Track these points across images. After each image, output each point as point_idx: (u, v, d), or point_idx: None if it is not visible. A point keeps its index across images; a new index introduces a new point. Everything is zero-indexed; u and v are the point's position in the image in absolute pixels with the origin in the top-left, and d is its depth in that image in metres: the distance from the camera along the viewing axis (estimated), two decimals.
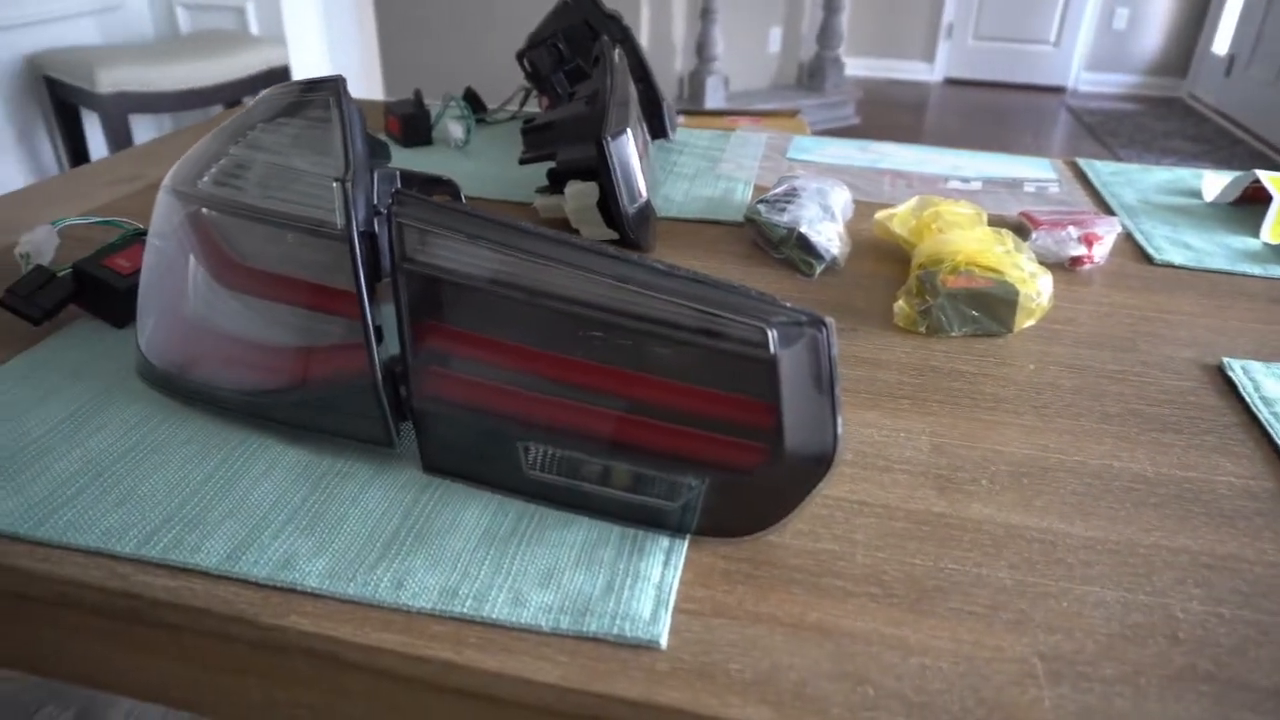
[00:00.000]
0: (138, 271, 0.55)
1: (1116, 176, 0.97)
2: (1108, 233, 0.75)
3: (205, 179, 0.49)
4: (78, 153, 2.33)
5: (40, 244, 0.64)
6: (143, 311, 0.53)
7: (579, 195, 0.72)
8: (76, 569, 0.39)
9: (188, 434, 0.48)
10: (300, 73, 2.57)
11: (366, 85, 2.90)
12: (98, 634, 0.41)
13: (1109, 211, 0.87)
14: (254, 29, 2.57)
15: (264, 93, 0.51)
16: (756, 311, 0.39)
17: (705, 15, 3.70)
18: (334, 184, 0.44)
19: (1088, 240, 0.74)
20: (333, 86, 0.47)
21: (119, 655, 0.42)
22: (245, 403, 0.48)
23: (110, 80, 2.09)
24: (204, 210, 0.48)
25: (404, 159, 0.96)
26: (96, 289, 0.57)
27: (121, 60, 2.16)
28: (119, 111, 2.14)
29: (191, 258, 0.49)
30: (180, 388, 0.51)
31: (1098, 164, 1.01)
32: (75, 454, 0.46)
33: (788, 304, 0.39)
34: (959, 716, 0.33)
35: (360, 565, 0.39)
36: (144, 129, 2.42)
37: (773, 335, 0.38)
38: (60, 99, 2.24)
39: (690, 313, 0.39)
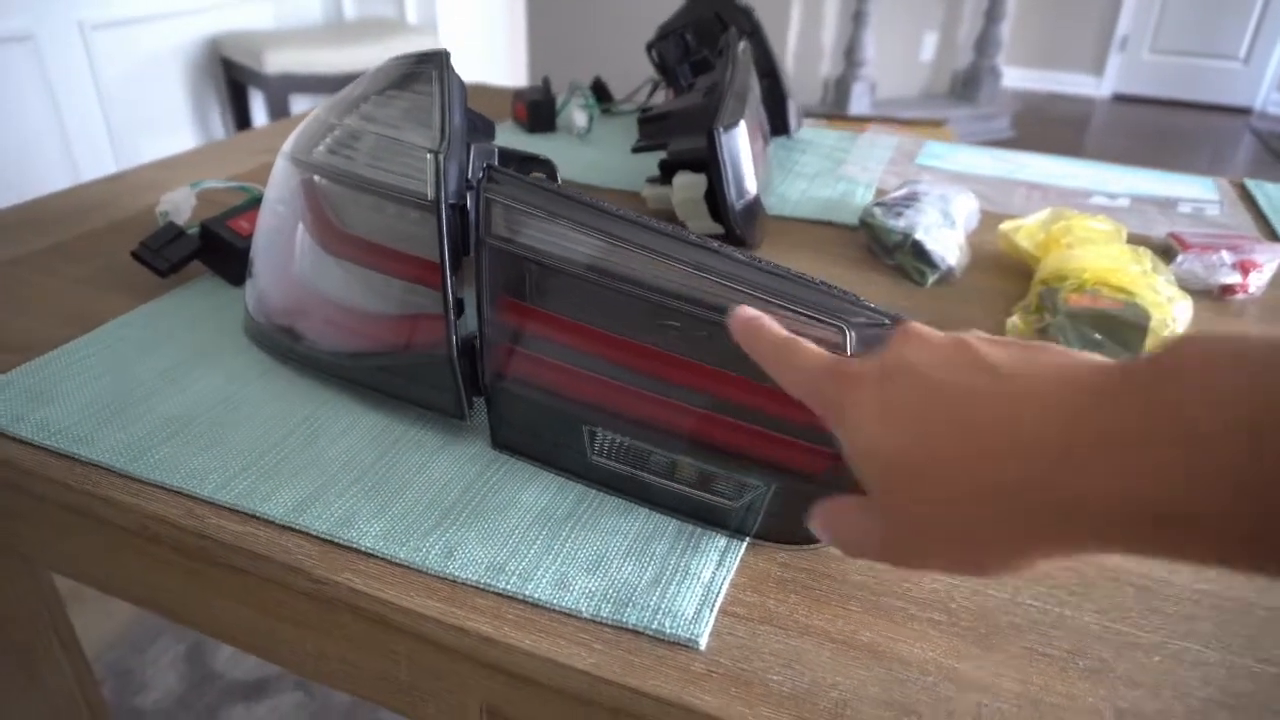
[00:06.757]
0: None
1: None
2: (1268, 261, 0.68)
3: (320, 148, 0.50)
4: (243, 129, 2.50)
5: (179, 204, 0.69)
6: (252, 270, 0.56)
7: (686, 187, 0.71)
8: (160, 505, 0.41)
9: (279, 389, 0.50)
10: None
11: (511, 74, 2.98)
12: (178, 570, 0.44)
13: (1275, 239, 0.79)
14: (411, 18, 2.69)
15: (378, 65, 0.53)
16: (836, 310, 0.37)
17: (858, 18, 3.61)
18: (428, 155, 0.44)
19: (1243, 268, 0.67)
20: (437, 59, 0.48)
21: (194, 593, 0.44)
22: (333, 364, 0.50)
23: (276, 62, 2.23)
24: (315, 178, 0.50)
25: (526, 145, 0.98)
26: (218, 247, 0.60)
27: (287, 43, 2.30)
28: (281, 91, 2.28)
29: (300, 222, 0.51)
30: (277, 344, 0.53)
31: (1269, 185, 0.92)
32: (177, 399, 0.49)
33: (872, 305, 0.37)
34: None
35: (414, 531, 0.40)
36: (301, 109, 2.57)
37: (850, 336, 0.36)
38: (232, 78, 2.41)
39: (765, 307, 0.37)
